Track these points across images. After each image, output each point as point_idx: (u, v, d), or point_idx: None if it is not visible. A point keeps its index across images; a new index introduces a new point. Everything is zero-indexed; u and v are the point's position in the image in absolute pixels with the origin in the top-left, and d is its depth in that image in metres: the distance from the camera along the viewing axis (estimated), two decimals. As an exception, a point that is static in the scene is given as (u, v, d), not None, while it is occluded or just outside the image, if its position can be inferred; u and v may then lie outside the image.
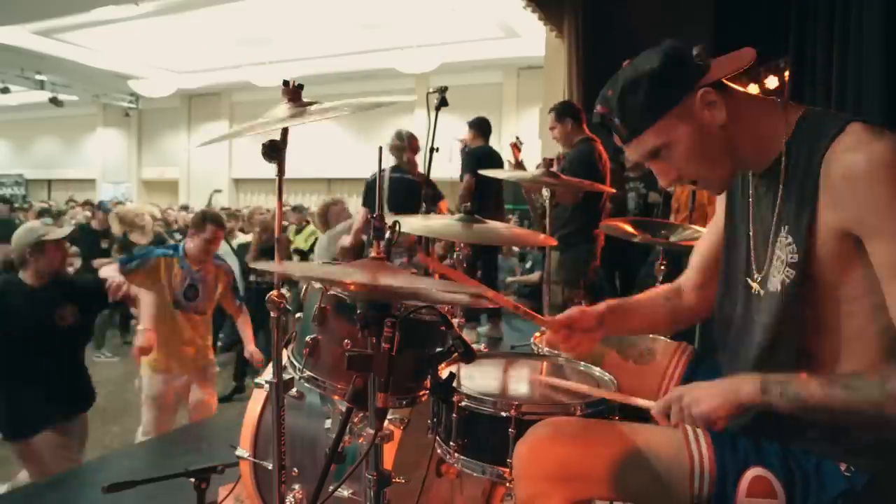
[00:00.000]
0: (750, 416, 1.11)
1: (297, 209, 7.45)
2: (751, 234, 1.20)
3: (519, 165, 3.96)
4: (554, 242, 2.10)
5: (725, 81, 1.11)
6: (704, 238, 1.46)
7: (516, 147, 4.24)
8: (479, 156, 4.38)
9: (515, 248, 8.59)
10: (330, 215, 4.99)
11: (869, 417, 0.98)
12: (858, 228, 1.01)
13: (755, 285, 1.17)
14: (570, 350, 1.39)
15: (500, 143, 12.40)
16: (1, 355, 2.77)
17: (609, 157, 3.94)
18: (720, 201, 1.36)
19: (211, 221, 3.40)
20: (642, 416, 1.47)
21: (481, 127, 4.67)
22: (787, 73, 3.84)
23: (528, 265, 8.26)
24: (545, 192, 2.57)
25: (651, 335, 1.63)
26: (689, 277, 1.45)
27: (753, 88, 4.31)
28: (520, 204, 6.96)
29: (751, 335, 1.17)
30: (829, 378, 1.01)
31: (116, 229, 6.41)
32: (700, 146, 1.10)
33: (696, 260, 1.45)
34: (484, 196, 4.19)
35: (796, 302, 1.07)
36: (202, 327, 3.48)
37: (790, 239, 1.08)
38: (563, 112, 3.93)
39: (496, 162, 4.53)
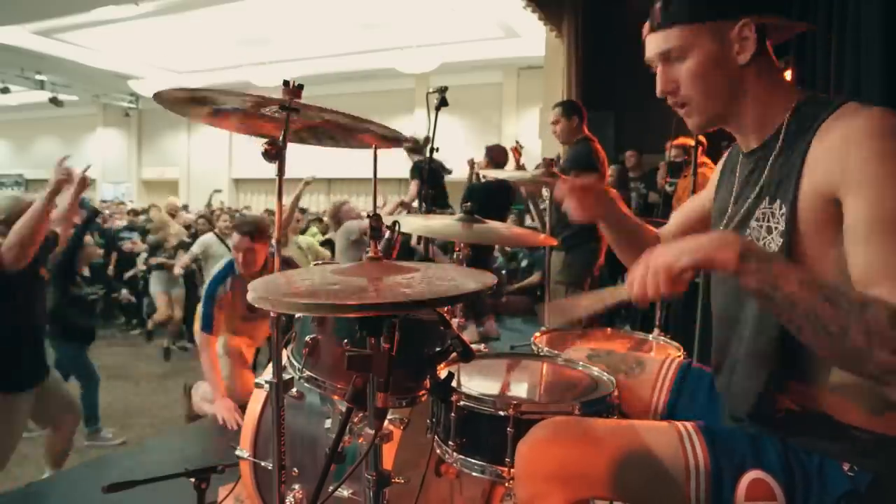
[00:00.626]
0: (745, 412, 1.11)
1: (300, 211, 7.50)
2: (730, 206, 1.22)
3: (520, 169, 3.97)
4: (554, 242, 2.10)
5: (768, 37, 1.12)
6: (691, 200, 1.52)
7: (517, 151, 4.26)
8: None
9: (507, 248, 8.62)
10: (342, 214, 5.27)
11: (829, 336, 0.90)
12: (839, 188, 0.99)
13: None
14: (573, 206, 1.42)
15: (499, 143, 12.44)
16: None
17: (610, 159, 3.96)
18: (714, 176, 1.40)
19: (236, 229, 3.22)
20: (642, 416, 1.47)
21: (497, 157, 4.74)
22: (787, 73, 3.84)
23: (522, 264, 8.27)
24: (545, 192, 2.57)
25: (638, 353, 1.63)
26: (668, 232, 1.51)
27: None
28: (516, 203, 6.97)
29: (742, 315, 1.16)
30: (812, 279, 0.93)
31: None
32: (711, 70, 1.11)
33: (677, 218, 1.52)
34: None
35: None
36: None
37: (774, 209, 1.09)
38: (572, 109, 3.97)
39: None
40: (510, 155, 4.49)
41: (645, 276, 0.98)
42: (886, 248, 0.93)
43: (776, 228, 1.07)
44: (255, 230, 3.15)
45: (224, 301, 3.16)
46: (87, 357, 4.27)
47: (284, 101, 1.32)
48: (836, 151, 1.00)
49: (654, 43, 1.15)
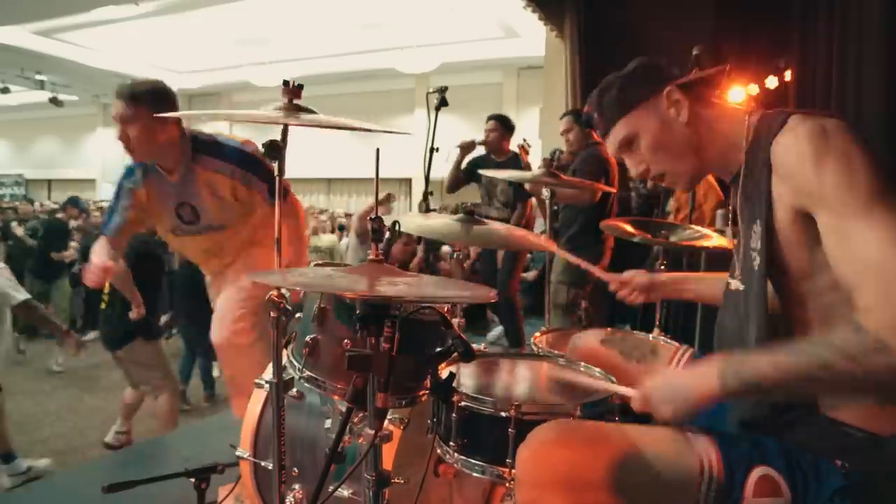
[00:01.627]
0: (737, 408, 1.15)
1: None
2: (734, 239, 1.28)
3: (527, 167, 3.97)
4: (554, 247, 2.09)
5: (697, 89, 1.23)
6: None
7: (524, 149, 4.25)
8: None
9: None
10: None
11: (825, 382, 0.97)
12: (803, 205, 1.06)
13: (734, 282, 1.23)
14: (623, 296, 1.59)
15: (500, 143, 12.44)
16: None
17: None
18: None
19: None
20: (643, 418, 1.47)
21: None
22: (787, 73, 3.84)
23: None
24: (545, 192, 2.57)
25: (652, 338, 1.64)
26: None
27: (754, 88, 4.31)
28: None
29: (742, 338, 1.19)
30: (779, 351, 1.01)
31: None
32: (664, 139, 1.23)
33: None
34: None
35: (765, 288, 1.12)
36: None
37: (753, 229, 1.14)
38: (582, 117, 3.96)
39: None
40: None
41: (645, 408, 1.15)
42: (850, 253, 1.00)
43: (757, 247, 1.14)
44: (132, 92, 2.33)
45: (136, 200, 2.53)
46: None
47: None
48: (785, 172, 1.07)
49: (611, 142, 1.30)
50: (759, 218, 1.12)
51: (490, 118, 4.46)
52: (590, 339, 1.67)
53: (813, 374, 0.96)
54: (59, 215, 8.19)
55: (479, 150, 4.51)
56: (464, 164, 4.45)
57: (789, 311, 1.17)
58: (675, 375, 1.13)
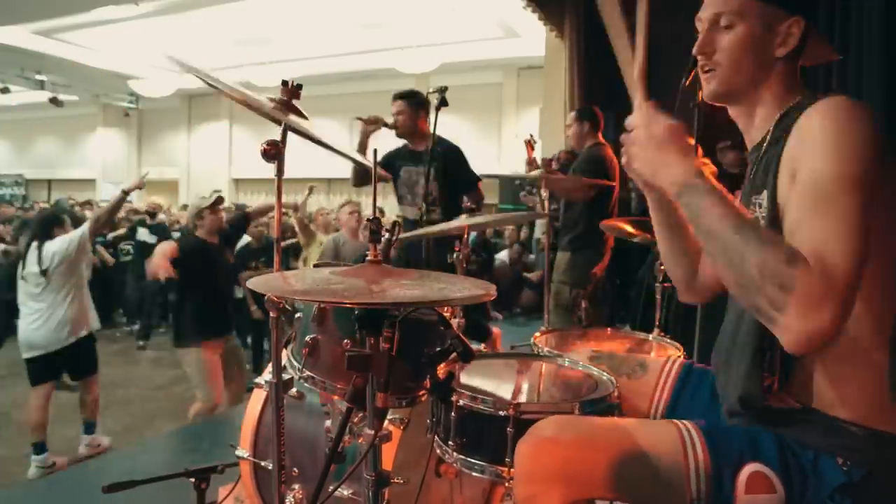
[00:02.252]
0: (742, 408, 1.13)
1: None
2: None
3: (533, 163, 3.96)
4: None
5: (809, 41, 1.16)
6: None
7: (530, 145, 4.23)
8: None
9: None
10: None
11: (730, 265, 0.97)
12: (797, 164, 1.04)
13: None
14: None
15: (500, 143, 12.44)
16: (190, 288, 3.82)
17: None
18: None
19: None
20: (643, 417, 1.47)
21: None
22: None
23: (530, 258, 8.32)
24: (544, 193, 2.57)
25: (640, 355, 1.63)
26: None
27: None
28: (519, 205, 6.96)
29: (742, 314, 1.18)
30: (732, 214, 0.99)
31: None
32: (749, 48, 1.15)
33: None
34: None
35: None
36: None
37: (760, 200, 1.13)
38: (584, 115, 3.99)
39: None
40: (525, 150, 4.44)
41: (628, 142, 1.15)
42: (805, 212, 0.99)
43: (763, 217, 1.12)
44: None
45: None
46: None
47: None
48: (801, 135, 1.05)
49: (711, 2, 1.19)
50: (767, 186, 1.11)
51: (395, 97, 3.75)
52: (578, 357, 1.67)
53: (730, 251, 0.96)
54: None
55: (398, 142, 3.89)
56: (379, 157, 3.39)
57: None
58: (658, 149, 1.10)
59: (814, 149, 1.01)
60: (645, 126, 1.13)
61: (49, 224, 3.94)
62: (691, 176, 1.05)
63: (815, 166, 1.00)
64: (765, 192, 1.12)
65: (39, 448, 3.66)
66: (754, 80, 1.18)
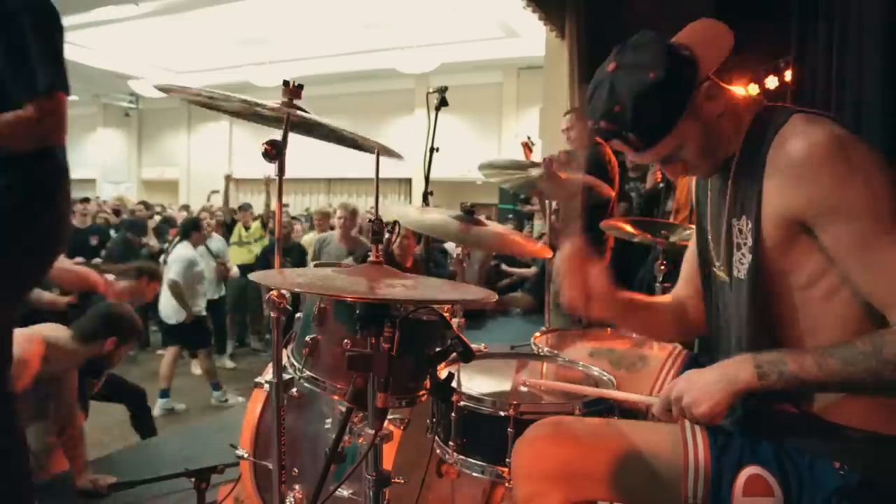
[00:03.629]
0: (742, 410, 1.13)
1: (244, 208, 7.29)
2: (708, 227, 1.25)
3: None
4: (549, 253, 2.07)
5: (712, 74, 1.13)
6: (689, 250, 1.45)
7: (528, 147, 4.20)
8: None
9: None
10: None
11: (869, 386, 0.99)
12: (807, 214, 1.03)
13: (721, 273, 1.21)
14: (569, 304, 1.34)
15: (500, 143, 12.44)
16: None
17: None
18: (693, 202, 1.40)
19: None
20: (641, 415, 1.47)
21: None
22: (787, 73, 3.84)
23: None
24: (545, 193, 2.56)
25: (641, 349, 1.63)
26: (680, 291, 1.45)
27: (754, 89, 4.30)
28: (507, 204, 6.96)
29: (728, 327, 1.19)
30: (822, 352, 1.01)
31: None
32: (708, 139, 1.13)
33: (685, 272, 1.45)
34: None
35: (757, 288, 1.10)
36: None
37: (741, 225, 1.13)
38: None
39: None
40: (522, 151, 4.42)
41: (681, 414, 1.10)
42: (884, 271, 0.99)
43: (745, 244, 1.12)
44: None
45: None
46: None
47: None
48: (794, 177, 1.03)
49: (649, 157, 1.16)
50: (748, 214, 1.10)
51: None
52: (577, 353, 1.67)
53: (860, 380, 0.99)
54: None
55: None
56: None
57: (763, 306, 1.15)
58: (702, 374, 1.09)
59: (835, 203, 1.00)
60: (683, 383, 1.11)
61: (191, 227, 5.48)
62: (750, 365, 1.04)
63: (853, 230, 1.00)
64: (745, 219, 1.11)
65: (164, 393, 4.83)
66: (719, 141, 1.15)
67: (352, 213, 5.00)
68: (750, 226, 1.10)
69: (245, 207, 7.30)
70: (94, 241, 6.74)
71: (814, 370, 1.00)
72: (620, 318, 1.39)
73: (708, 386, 1.06)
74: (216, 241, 6.29)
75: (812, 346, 1.05)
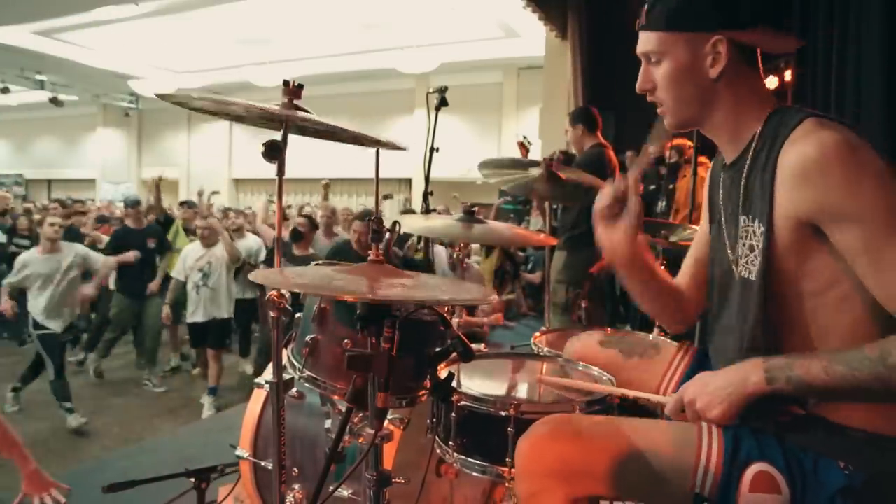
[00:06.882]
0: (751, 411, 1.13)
1: (189, 204, 6.85)
2: (723, 222, 1.24)
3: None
4: (553, 241, 2.09)
5: (744, 51, 1.14)
6: (696, 237, 1.47)
7: (524, 146, 4.19)
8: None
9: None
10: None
11: (878, 392, 1.00)
12: (819, 217, 1.04)
13: (731, 271, 1.21)
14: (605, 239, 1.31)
15: (500, 143, 12.44)
16: None
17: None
18: (705, 202, 1.39)
19: None
20: (641, 412, 1.47)
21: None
22: (787, 74, 3.84)
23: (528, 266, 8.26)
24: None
25: (653, 336, 1.63)
26: (683, 280, 1.46)
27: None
28: (518, 204, 6.97)
29: (734, 325, 1.19)
30: (830, 357, 1.02)
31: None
32: (682, 78, 1.15)
33: (689, 260, 1.47)
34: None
35: (767, 290, 1.10)
36: None
37: (754, 227, 1.13)
38: (576, 118, 3.95)
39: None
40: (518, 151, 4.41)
41: (696, 417, 1.13)
42: (884, 272, 1.00)
43: (757, 247, 1.12)
44: None
45: None
46: None
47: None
48: (805, 180, 1.04)
49: (639, 42, 1.20)
50: (760, 217, 1.11)
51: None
52: (588, 340, 1.67)
53: (867, 385, 0.99)
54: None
55: None
56: None
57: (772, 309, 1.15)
58: (714, 378, 1.12)
59: (848, 206, 1.01)
60: (695, 386, 1.14)
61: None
62: (760, 369, 1.06)
63: (865, 233, 1.00)
64: (757, 222, 1.12)
65: (212, 390, 4.94)
66: (701, 104, 1.17)
67: (332, 212, 5.70)
68: (762, 228, 1.10)
69: (191, 205, 6.77)
70: (151, 243, 5.80)
71: (821, 375, 1.01)
72: (640, 281, 1.37)
73: (719, 390, 1.09)
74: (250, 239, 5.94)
75: (820, 351, 1.06)
